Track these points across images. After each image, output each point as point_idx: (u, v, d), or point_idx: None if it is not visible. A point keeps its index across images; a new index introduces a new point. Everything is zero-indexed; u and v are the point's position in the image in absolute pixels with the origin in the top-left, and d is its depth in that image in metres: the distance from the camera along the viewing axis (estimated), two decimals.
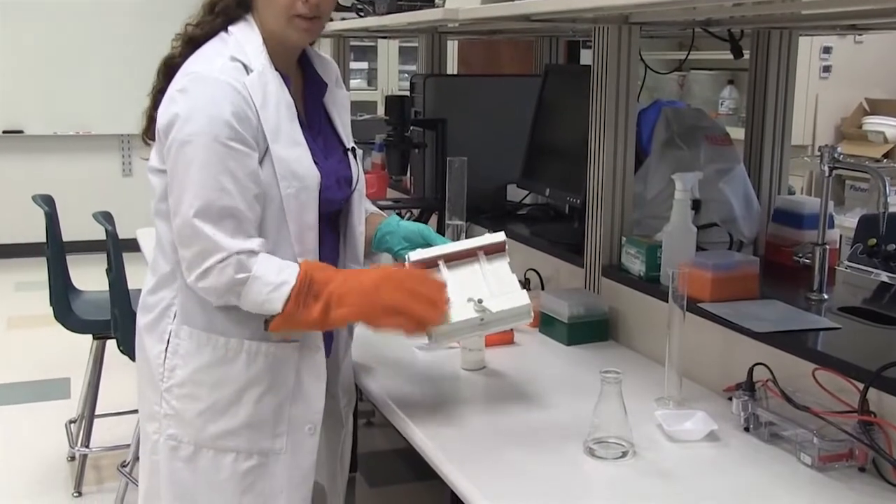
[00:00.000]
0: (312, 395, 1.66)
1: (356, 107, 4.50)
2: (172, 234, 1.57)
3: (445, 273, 1.67)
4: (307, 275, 1.50)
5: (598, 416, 1.51)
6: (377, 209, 1.93)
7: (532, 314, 1.65)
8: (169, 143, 1.51)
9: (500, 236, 1.72)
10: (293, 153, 1.57)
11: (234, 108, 1.50)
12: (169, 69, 1.61)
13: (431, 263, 1.68)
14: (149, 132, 1.65)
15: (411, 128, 2.88)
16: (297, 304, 1.50)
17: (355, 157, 1.77)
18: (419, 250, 1.72)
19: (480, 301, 1.60)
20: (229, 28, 1.61)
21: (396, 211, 2.99)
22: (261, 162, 1.54)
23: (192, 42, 1.61)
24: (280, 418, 1.64)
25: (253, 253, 1.51)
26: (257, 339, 1.60)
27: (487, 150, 2.92)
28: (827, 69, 5.01)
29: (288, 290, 1.49)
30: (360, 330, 1.89)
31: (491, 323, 1.62)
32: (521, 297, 1.64)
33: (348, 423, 1.89)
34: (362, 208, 1.79)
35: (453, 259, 1.69)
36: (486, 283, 1.66)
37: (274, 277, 1.50)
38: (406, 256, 1.70)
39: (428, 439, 1.57)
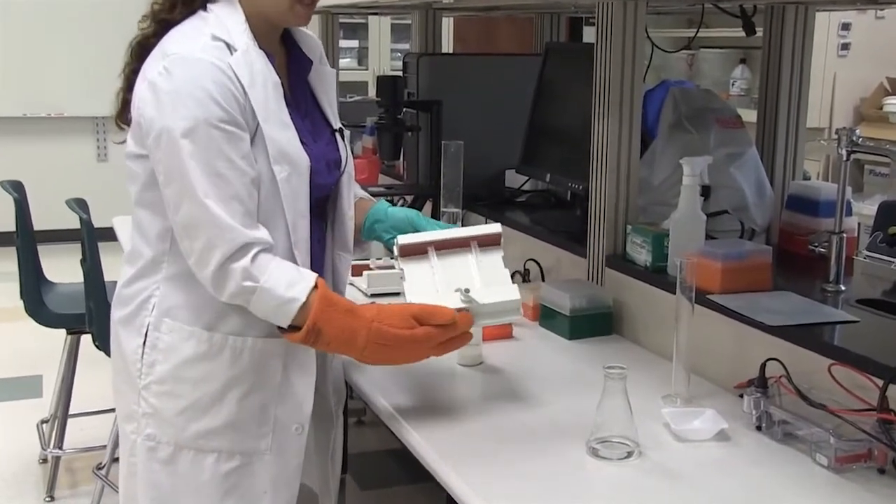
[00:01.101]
0: (300, 393, 1.66)
1: (346, 88, 4.48)
2: (161, 226, 1.58)
3: (435, 260, 1.67)
4: (314, 328, 1.52)
5: (601, 415, 1.51)
6: (366, 194, 1.93)
7: (521, 311, 1.67)
8: (156, 132, 1.51)
9: (496, 228, 1.73)
10: (284, 135, 1.58)
11: (222, 90, 1.50)
12: (143, 49, 1.61)
13: (420, 249, 1.69)
14: (123, 116, 1.65)
15: (404, 110, 2.87)
16: (304, 340, 1.54)
17: (343, 137, 1.77)
18: (409, 234, 1.72)
19: (468, 291, 1.60)
20: (208, 6, 1.61)
21: (388, 198, 2.99)
22: (251, 145, 1.54)
23: (166, 21, 1.61)
24: (265, 417, 1.64)
25: (263, 249, 1.52)
26: (242, 334, 1.61)
27: (485, 133, 2.92)
28: (845, 46, 4.99)
29: (296, 309, 1.51)
30: None
31: (477, 316, 1.62)
32: (511, 292, 1.65)
33: (338, 423, 1.89)
34: (351, 193, 1.79)
35: (445, 247, 1.70)
36: (477, 274, 1.66)
37: (283, 291, 1.52)
38: (395, 241, 1.71)
39: (422, 439, 1.57)
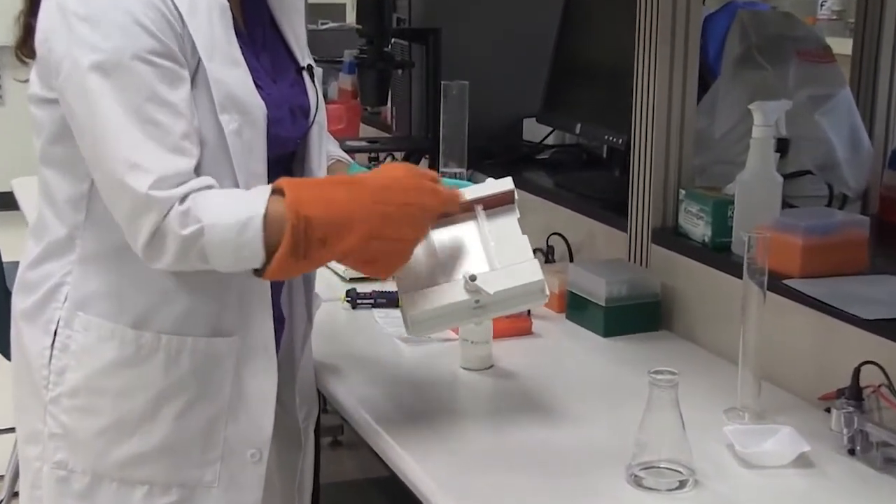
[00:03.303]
0: (258, 408, 1.66)
1: (317, 11, 4.46)
2: (73, 190, 1.59)
3: (429, 234, 1.65)
4: (299, 217, 1.48)
5: (646, 433, 1.51)
6: (342, 153, 1.92)
7: (547, 293, 1.65)
8: (67, 69, 1.51)
9: (506, 183, 1.71)
10: (233, 75, 1.58)
11: (153, 14, 1.50)
12: None
13: None
14: (24, 45, 1.64)
15: (392, 41, 2.86)
16: (294, 256, 1.50)
17: (312, 77, 1.76)
18: None
19: (473, 278, 1.60)
20: None
21: (371, 156, 2.98)
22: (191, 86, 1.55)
23: None
24: (212, 439, 1.64)
25: (199, 189, 1.50)
26: (180, 332, 1.61)
27: (496, 71, 2.91)
28: None
29: (259, 226, 1.48)
30: (322, 315, 1.91)
31: (489, 307, 1.62)
32: (532, 271, 1.63)
33: (308, 444, 1.89)
34: (323, 150, 1.79)
35: (442, 215, 1.67)
36: (484, 249, 1.65)
37: (235, 215, 1.49)
38: None
39: (416, 465, 1.57)
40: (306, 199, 1.51)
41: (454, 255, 1.65)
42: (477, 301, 1.60)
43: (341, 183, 1.58)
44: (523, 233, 1.68)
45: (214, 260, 1.50)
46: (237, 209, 1.49)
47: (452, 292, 1.60)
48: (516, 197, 1.71)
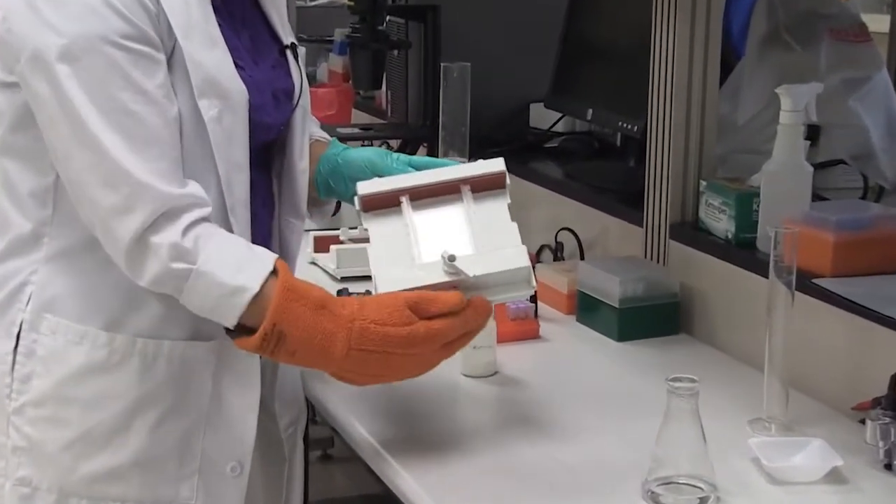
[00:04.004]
0: (238, 418, 1.66)
1: None
2: (37, 183, 1.59)
3: (410, 215, 1.66)
4: (274, 326, 1.52)
5: (664, 447, 1.51)
6: (324, 133, 1.92)
7: (534, 283, 1.65)
8: (30, 52, 1.50)
9: (497, 164, 1.71)
10: (212, 56, 1.58)
11: None
12: None
13: (389, 200, 1.68)
14: None
15: (388, 19, 2.87)
16: (261, 348, 1.54)
17: (296, 57, 1.76)
18: (373, 181, 1.72)
19: (453, 258, 1.59)
20: None
21: (364, 144, 2.97)
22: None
23: None
24: (189, 453, 1.64)
25: (200, 216, 1.52)
26: (157, 336, 1.61)
27: (501, 52, 2.91)
28: None
29: (247, 301, 1.51)
30: None
31: (468, 293, 1.60)
32: (516, 256, 1.62)
33: (295, 456, 1.89)
34: (305, 136, 1.79)
35: (424, 195, 1.69)
36: (469, 231, 1.65)
37: (229, 276, 1.52)
38: (355, 190, 1.71)
39: (414, 481, 1.57)
40: (289, 317, 1.53)
41: (435, 235, 1.65)
42: (454, 286, 1.59)
43: (336, 315, 1.55)
44: (513, 218, 1.68)
45: (186, 301, 1.54)
46: (236, 269, 1.52)
47: (429, 273, 1.59)
48: (508, 181, 1.71)
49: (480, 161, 1.72)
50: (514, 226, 1.66)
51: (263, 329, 1.51)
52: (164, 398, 1.62)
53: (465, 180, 1.69)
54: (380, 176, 1.75)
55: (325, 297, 1.57)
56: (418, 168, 1.77)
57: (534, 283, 1.65)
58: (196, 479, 1.64)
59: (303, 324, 1.53)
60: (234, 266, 1.52)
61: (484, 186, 1.69)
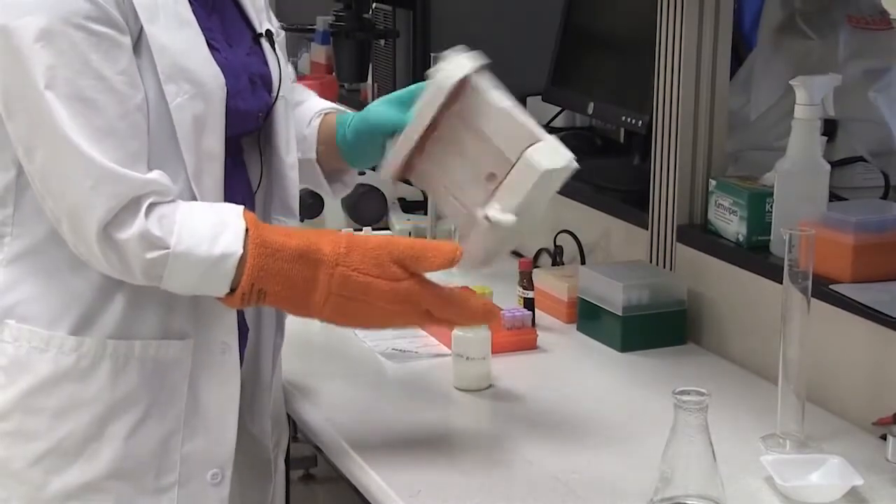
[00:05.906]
0: (217, 421, 1.67)
1: None
2: (1, 178, 1.60)
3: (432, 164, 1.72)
4: (252, 286, 1.56)
5: (670, 464, 1.49)
6: (327, 103, 1.93)
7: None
8: None
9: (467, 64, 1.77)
10: (180, 38, 1.58)
11: None
12: None
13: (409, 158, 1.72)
14: None
15: (374, 6, 2.92)
16: (242, 305, 1.60)
17: (273, 44, 1.77)
18: (387, 158, 1.75)
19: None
20: None
21: None
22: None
23: None
24: (167, 461, 1.64)
25: (158, 199, 1.54)
26: (126, 336, 1.61)
27: (495, 42, 2.83)
28: None
29: (232, 267, 1.55)
30: (293, 324, 1.88)
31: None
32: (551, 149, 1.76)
33: (278, 477, 1.90)
34: (291, 128, 1.79)
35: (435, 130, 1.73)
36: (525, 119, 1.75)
37: (207, 247, 1.54)
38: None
39: (402, 502, 1.58)
40: (266, 273, 1.57)
41: (460, 168, 1.71)
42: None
43: (317, 262, 1.59)
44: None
45: (171, 286, 1.57)
46: (212, 238, 1.55)
47: (522, 178, 1.70)
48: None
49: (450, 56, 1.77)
50: (532, 119, 1.79)
51: (241, 290, 1.56)
52: (138, 403, 1.62)
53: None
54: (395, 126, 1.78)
55: (302, 246, 1.59)
56: (404, 101, 1.82)
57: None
58: (175, 490, 1.65)
59: (280, 278, 1.58)
60: (209, 237, 1.55)
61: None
